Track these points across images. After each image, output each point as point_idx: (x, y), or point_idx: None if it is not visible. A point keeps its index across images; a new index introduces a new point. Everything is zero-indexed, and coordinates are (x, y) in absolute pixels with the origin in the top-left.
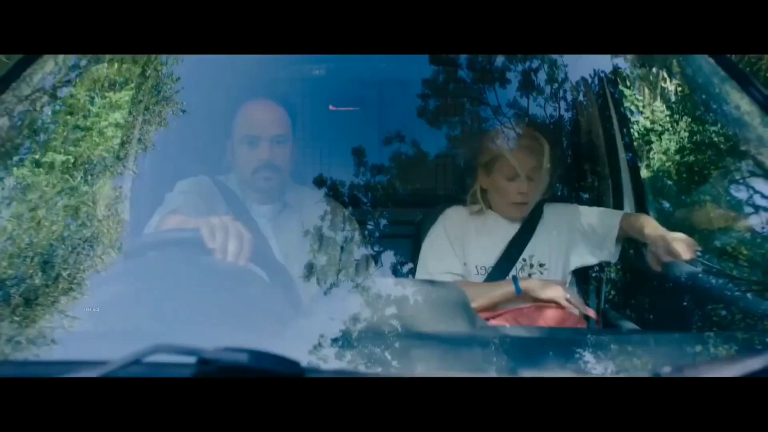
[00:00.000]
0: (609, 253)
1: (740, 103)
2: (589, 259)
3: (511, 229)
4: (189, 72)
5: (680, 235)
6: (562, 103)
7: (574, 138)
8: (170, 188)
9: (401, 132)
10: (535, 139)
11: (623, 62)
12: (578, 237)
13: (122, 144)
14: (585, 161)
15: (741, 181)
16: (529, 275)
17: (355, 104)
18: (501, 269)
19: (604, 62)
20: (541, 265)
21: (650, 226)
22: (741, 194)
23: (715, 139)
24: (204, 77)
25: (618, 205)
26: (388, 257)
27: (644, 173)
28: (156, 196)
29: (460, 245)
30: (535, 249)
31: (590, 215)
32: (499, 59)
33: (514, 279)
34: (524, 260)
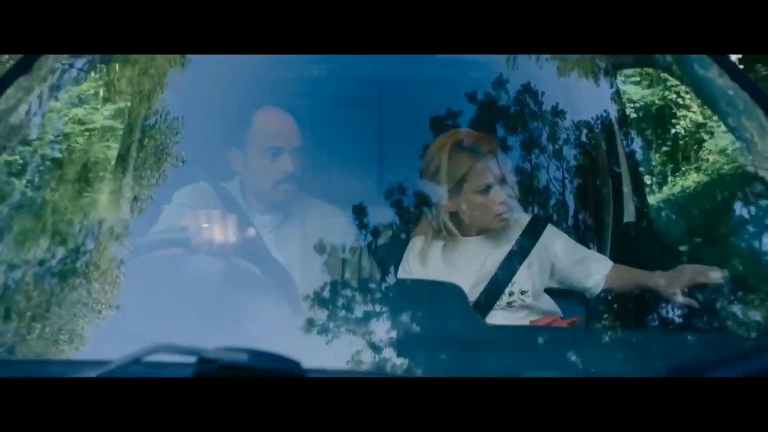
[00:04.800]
0: (590, 292)
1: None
2: (570, 289)
3: (489, 253)
4: (188, 71)
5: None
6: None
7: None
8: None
9: (403, 185)
10: (489, 140)
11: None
12: (566, 269)
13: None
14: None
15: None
16: (508, 304)
17: (355, 104)
18: (486, 298)
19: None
20: (522, 293)
21: (650, 275)
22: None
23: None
24: (202, 78)
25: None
26: (391, 259)
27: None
28: (158, 196)
29: None
30: (518, 275)
31: (578, 255)
32: (500, 130)
33: None
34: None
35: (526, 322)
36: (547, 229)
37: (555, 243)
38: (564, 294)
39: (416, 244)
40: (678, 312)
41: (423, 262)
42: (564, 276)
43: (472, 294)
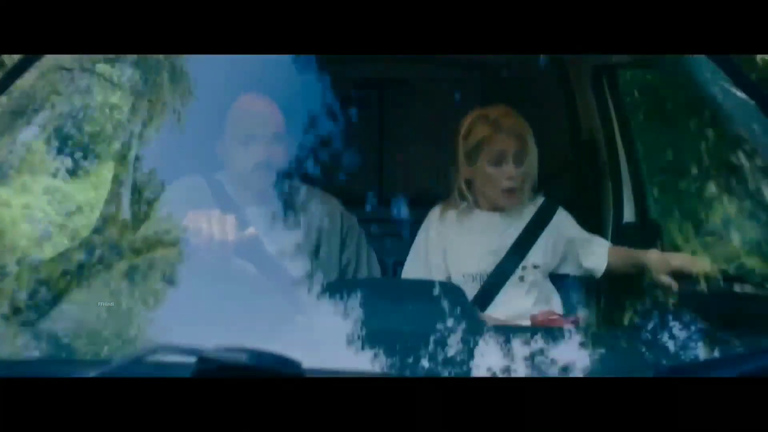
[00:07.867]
0: (595, 272)
1: None
2: (576, 271)
3: (504, 228)
4: (190, 69)
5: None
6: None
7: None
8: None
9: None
10: (516, 119)
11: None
12: (574, 248)
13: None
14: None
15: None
16: (520, 278)
17: (355, 104)
18: (500, 273)
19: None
20: (535, 267)
21: (644, 252)
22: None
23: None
24: (200, 75)
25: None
26: (389, 256)
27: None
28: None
29: (441, 256)
30: (533, 251)
31: (583, 236)
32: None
33: None
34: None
35: (530, 304)
36: (558, 211)
37: (565, 224)
38: (569, 286)
39: (435, 212)
40: (678, 313)
41: (442, 224)
42: (572, 255)
43: (487, 264)
